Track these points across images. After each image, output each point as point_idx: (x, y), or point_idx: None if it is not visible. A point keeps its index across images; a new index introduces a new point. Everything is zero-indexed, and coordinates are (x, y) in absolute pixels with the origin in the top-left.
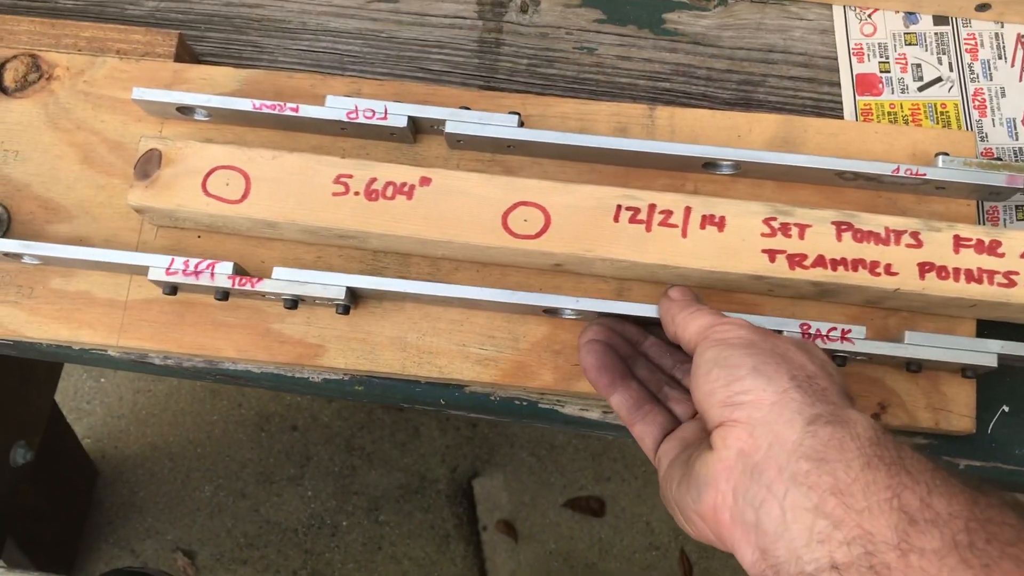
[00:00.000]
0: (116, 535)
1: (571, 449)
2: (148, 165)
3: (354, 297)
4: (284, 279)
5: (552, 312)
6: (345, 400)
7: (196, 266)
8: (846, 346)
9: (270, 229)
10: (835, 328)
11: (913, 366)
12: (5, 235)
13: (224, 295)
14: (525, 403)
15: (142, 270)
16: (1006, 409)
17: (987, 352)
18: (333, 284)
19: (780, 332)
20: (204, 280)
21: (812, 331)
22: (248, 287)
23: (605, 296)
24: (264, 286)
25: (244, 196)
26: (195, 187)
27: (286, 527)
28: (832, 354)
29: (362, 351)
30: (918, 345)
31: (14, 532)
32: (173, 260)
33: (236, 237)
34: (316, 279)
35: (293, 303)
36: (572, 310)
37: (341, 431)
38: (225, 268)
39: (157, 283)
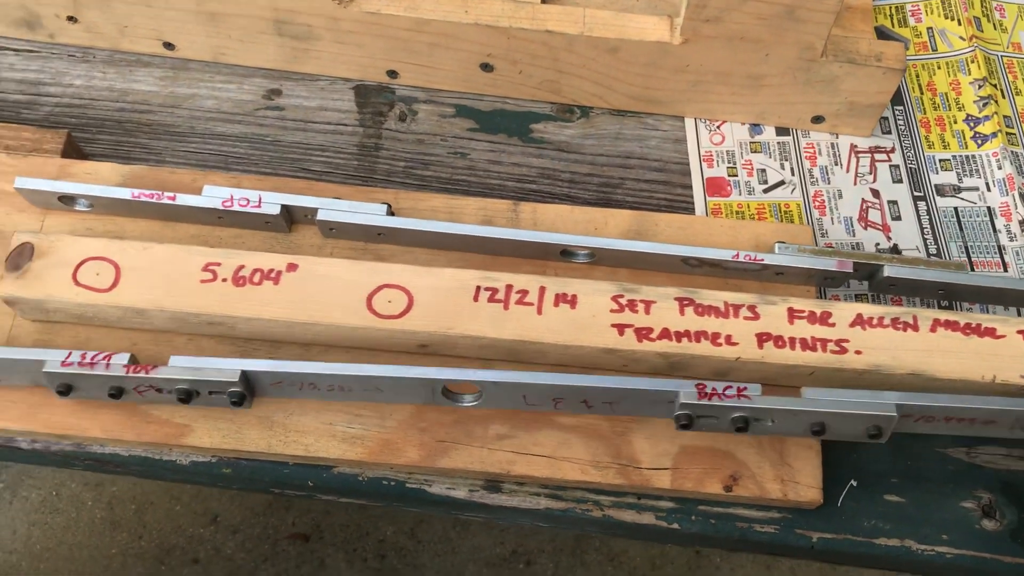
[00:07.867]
0: None
1: None
2: (20, 258)
3: (251, 389)
4: (180, 365)
5: (450, 396)
6: (216, 487)
7: (92, 358)
8: (743, 402)
9: (139, 318)
10: (731, 386)
11: (816, 427)
12: None
13: (119, 392)
14: (393, 483)
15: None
16: (854, 483)
17: (886, 403)
18: (227, 368)
19: (677, 392)
20: (99, 370)
21: (708, 389)
22: (143, 374)
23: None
24: (160, 373)
25: (113, 285)
26: (65, 278)
27: None
28: (731, 411)
29: (228, 431)
30: (817, 399)
31: None
32: (70, 353)
33: (106, 328)
34: (210, 364)
35: (187, 396)
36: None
37: (244, 564)
38: (121, 359)
39: (51, 377)
